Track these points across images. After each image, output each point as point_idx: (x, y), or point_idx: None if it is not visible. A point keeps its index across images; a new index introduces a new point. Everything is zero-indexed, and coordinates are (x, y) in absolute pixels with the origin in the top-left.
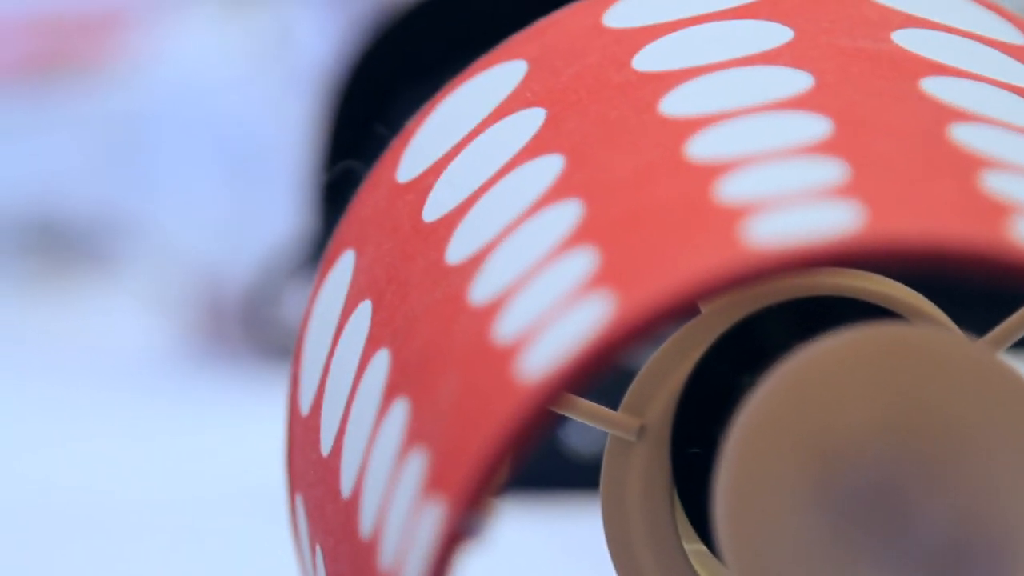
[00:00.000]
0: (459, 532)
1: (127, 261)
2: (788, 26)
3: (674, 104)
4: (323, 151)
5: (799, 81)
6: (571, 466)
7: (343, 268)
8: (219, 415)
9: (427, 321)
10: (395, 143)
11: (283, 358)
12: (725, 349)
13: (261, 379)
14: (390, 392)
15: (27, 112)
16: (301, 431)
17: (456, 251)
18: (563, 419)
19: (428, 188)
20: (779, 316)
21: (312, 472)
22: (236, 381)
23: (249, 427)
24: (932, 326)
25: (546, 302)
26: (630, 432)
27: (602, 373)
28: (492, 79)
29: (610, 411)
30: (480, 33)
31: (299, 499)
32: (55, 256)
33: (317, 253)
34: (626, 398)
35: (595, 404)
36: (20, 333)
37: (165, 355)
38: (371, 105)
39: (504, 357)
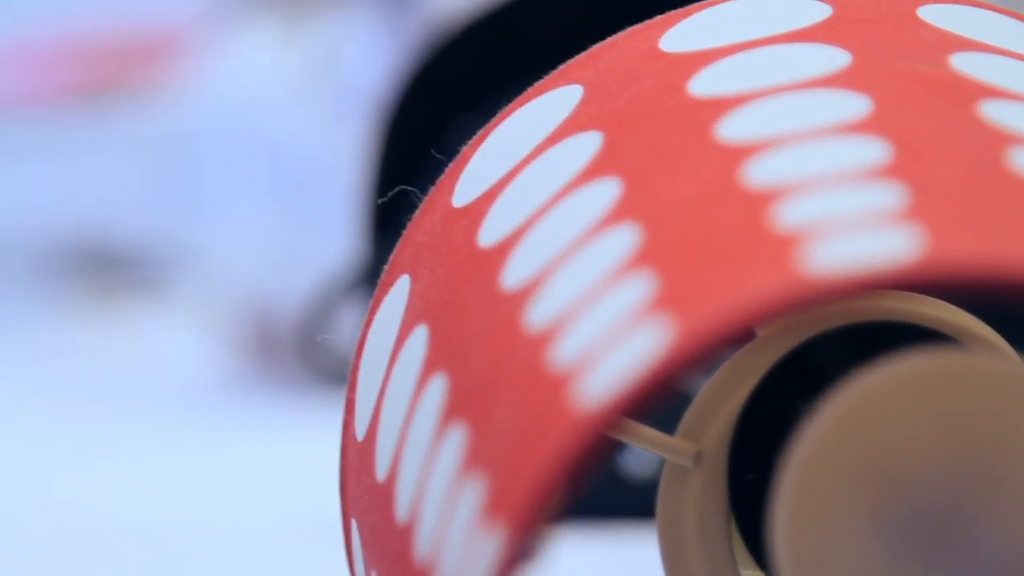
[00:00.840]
0: (517, 558)
1: (180, 284)
2: (846, 50)
3: (731, 128)
4: (376, 175)
5: (857, 105)
6: (628, 491)
7: (398, 293)
8: (272, 439)
9: (483, 346)
10: (450, 168)
11: (336, 383)
12: (782, 374)
13: (314, 404)
14: (447, 417)
15: (82, 134)
16: (356, 456)
17: (512, 276)
18: (620, 444)
19: (484, 213)
20: (836, 341)
21: (367, 497)
22: (288, 405)
23: (302, 452)
24: (990, 351)
25: (604, 328)
26: (687, 458)
27: (660, 399)
28: (548, 103)
29: (667, 437)
30: (534, 55)
31: (354, 524)
32: (108, 279)
33: (370, 277)
34: (683, 424)
35: (652, 430)
36: (72, 356)
37: (218, 379)
38: (425, 129)
39: (561, 383)
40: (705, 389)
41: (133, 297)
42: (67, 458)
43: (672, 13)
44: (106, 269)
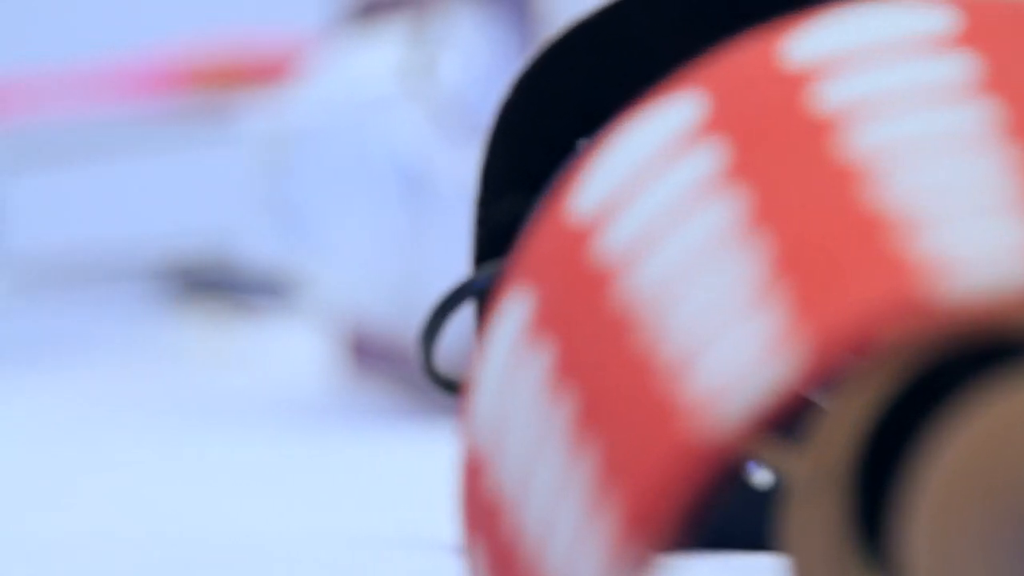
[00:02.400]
0: None
1: (293, 297)
2: (980, 56)
3: (862, 139)
4: (488, 184)
5: (992, 113)
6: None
7: (517, 307)
8: (383, 454)
9: (610, 365)
10: (568, 176)
11: (450, 395)
12: (909, 391)
13: (426, 418)
14: (576, 437)
15: (199, 141)
16: (476, 473)
17: (637, 293)
18: (745, 464)
19: (605, 225)
20: (967, 357)
21: (490, 515)
22: (399, 420)
23: (413, 467)
24: None
25: (737, 352)
26: (811, 475)
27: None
28: (671, 112)
29: (791, 454)
30: (645, 60)
31: (475, 542)
32: (222, 295)
33: (484, 288)
34: (806, 441)
35: (777, 449)
36: (186, 373)
37: (329, 390)
38: (538, 136)
39: (695, 405)
40: (830, 405)
41: (248, 312)
42: (177, 474)
43: (796, 18)
44: (220, 283)
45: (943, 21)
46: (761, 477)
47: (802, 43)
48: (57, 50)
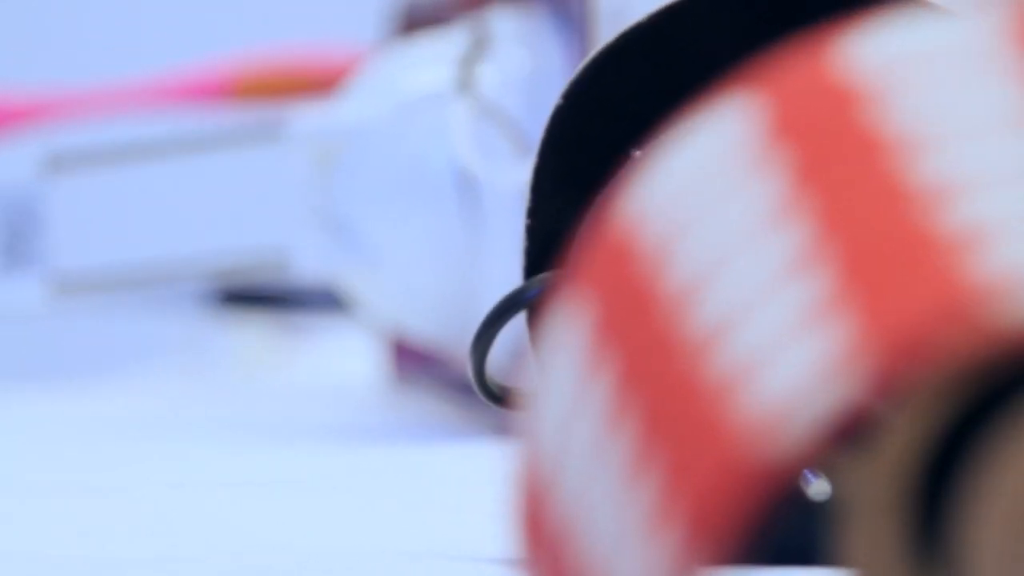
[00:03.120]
0: None
1: (344, 308)
2: None
3: (929, 159)
4: (540, 195)
5: None
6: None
7: (575, 327)
8: (431, 468)
9: (672, 387)
10: (623, 190)
11: (495, 409)
12: (975, 404)
13: (473, 432)
14: (637, 461)
15: (245, 156)
16: (538, 496)
17: (697, 312)
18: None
19: (664, 243)
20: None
21: (553, 540)
22: (446, 434)
23: (461, 481)
24: None
25: (800, 368)
26: (872, 489)
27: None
28: (730, 127)
29: (851, 468)
30: (701, 65)
31: (537, 566)
32: (272, 306)
33: (533, 301)
34: (866, 454)
35: (837, 462)
36: (234, 386)
37: (379, 403)
38: (590, 147)
39: (753, 428)
40: (890, 416)
41: (299, 324)
42: (223, 488)
43: (857, 23)
44: (271, 296)
45: (1011, 36)
46: (819, 490)
47: (866, 57)
48: (112, 61)
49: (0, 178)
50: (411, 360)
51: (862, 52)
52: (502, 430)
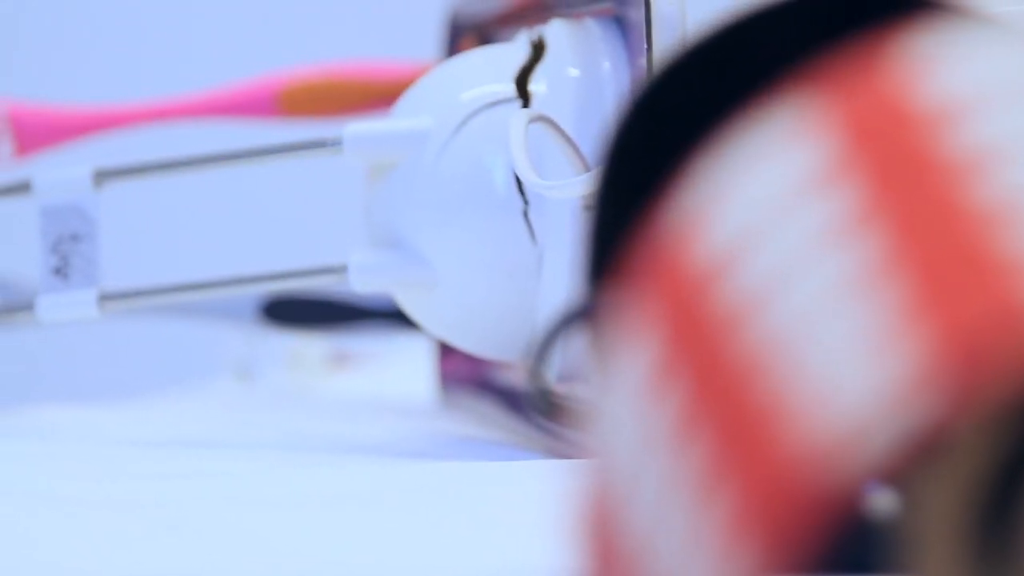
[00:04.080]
0: None
1: (399, 324)
2: None
3: (997, 182)
4: (601, 207)
5: None
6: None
7: (641, 347)
8: (485, 486)
9: (741, 410)
10: (688, 207)
11: (559, 424)
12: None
13: (528, 451)
14: (706, 484)
15: (303, 170)
16: (606, 517)
17: (766, 334)
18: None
19: (733, 265)
20: None
21: (622, 561)
22: (499, 452)
23: (519, 500)
24: None
25: (872, 392)
26: (939, 509)
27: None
28: (800, 148)
29: (918, 488)
30: (760, 82)
31: None
32: (325, 322)
33: (592, 316)
34: (929, 475)
35: (905, 484)
36: (286, 403)
37: (432, 421)
38: (652, 160)
39: (825, 453)
40: (958, 436)
41: (354, 340)
42: (276, 505)
43: (921, 37)
44: (324, 311)
45: None
46: (887, 505)
47: (935, 78)
48: (167, 76)
49: (55, 191)
50: (464, 377)
51: (930, 72)
52: (555, 447)
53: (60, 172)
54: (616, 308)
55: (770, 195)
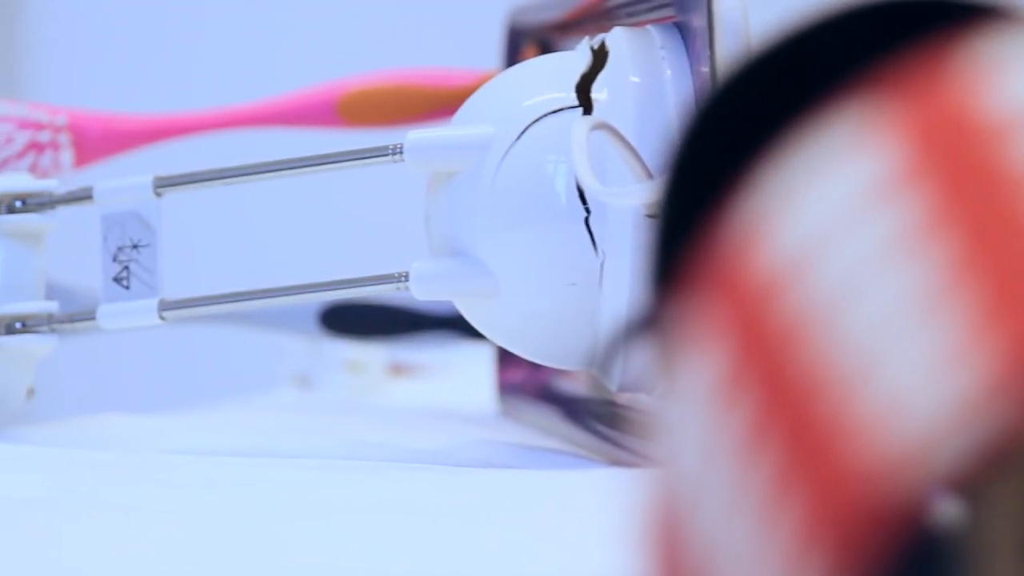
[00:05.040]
0: None
1: (459, 333)
2: None
3: None
4: (665, 214)
5: None
6: None
7: (707, 357)
8: (546, 495)
9: (810, 424)
10: (753, 216)
11: (617, 436)
12: None
13: (591, 459)
14: (774, 496)
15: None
16: (673, 527)
17: (835, 347)
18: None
19: (801, 276)
20: None
21: (688, 572)
22: (560, 461)
23: (580, 509)
24: None
25: (942, 407)
26: (1003, 522)
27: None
28: (867, 157)
29: (981, 503)
30: (827, 91)
31: None
32: (385, 332)
33: (656, 325)
34: (998, 487)
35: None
36: (345, 412)
37: (491, 430)
38: (717, 168)
39: (897, 467)
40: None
41: (415, 350)
42: (339, 515)
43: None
44: (384, 321)
45: None
46: (953, 518)
47: (1002, 87)
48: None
49: (116, 200)
50: (524, 386)
51: (997, 81)
52: (617, 456)
53: (121, 181)
54: (681, 318)
55: (836, 204)
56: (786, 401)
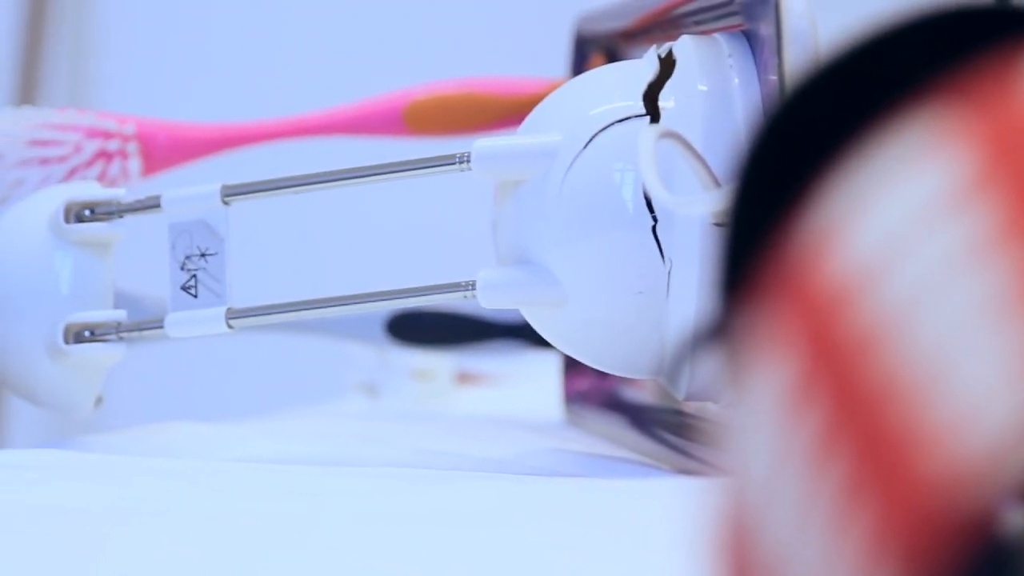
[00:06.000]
0: None
1: (525, 342)
2: None
3: None
4: (735, 221)
5: None
6: None
7: (777, 366)
8: (612, 505)
9: (880, 434)
10: (823, 224)
11: (686, 445)
12: None
13: (658, 467)
14: (844, 506)
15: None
16: (743, 536)
17: (905, 357)
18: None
19: (870, 286)
20: None
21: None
22: (626, 469)
23: (645, 518)
24: None
25: (1012, 416)
26: None
27: None
28: (938, 165)
29: None
30: (898, 99)
31: None
32: (452, 341)
33: (725, 334)
34: None
35: None
36: (411, 421)
37: (557, 438)
38: (785, 176)
39: (966, 478)
40: None
41: (481, 358)
42: (404, 523)
43: None
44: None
45: None
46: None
47: None
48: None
49: (184, 209)
50: (590, 394)
51: None
52: (684, 465)
53: (189, 189)
54: (750, 326)
55: (907, 213)
56: (856, 410)
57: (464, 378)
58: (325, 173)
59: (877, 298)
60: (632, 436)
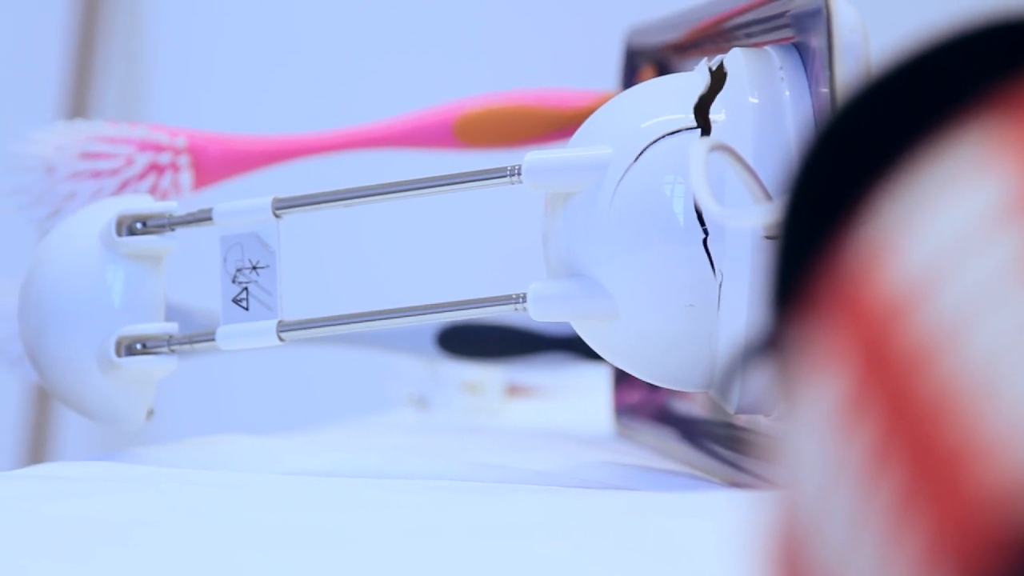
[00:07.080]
0: None
1: (581, 351)
2: None
3: None
4: (786, 234)
5: None
6: None
7: (829, 380)
8: (661, 518)
9: (933, 446)
10: (874, 238)
11: (737, 455)
12: None
13: (708, 481)
14: (897, 518)
15: (484, 201)
16: (797, 548)
17: (957, 370)
18: None
19: (922, 300)
20: None
21: None
22: (675, 482)
23: (693, 531)
24: None
25: None
26: None
27: None
28: (987, 183)
29: None
30: (948, 113)
31: None
32: (502, 355)
33: (776, 347)
34: None
35: None
36: (457, 434)
37: (611, 450)
38: (836, 189)
39: (1017, 489)
40: None
41: (535, 370)
42: (451, 537)
43: None
44: (501, 344)
45: None
46: None
47: None
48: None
49: (236, 221)
50: (640, 407)
51: None
52: (735, 478)
53: (240, 202)
54: (802, 339)
55: (958, 227)
56: (910, 422)
57: (514, 391)
58: (376, 186)
59: (929, 311)
60: (683, 449)
